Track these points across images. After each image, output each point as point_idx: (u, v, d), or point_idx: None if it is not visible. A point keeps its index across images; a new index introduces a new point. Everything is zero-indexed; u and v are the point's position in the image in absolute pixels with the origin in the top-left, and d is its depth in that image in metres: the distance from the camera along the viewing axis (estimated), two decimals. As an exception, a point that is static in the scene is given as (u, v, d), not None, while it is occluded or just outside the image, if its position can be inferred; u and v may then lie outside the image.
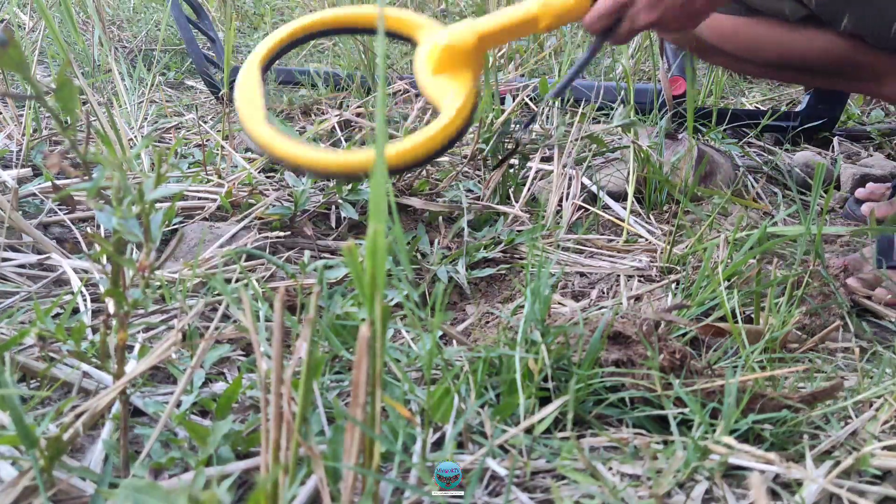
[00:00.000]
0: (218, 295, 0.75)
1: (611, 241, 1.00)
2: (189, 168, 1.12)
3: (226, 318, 0.75)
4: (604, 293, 0.87)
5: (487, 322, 0.79)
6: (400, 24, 0.87)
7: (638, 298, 0.84)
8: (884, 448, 0.54)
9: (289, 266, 0.78)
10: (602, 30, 0.87)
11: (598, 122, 1.37)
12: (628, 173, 1.10)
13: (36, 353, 0.64)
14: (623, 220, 1.03)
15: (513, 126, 1.02)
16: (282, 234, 0.93)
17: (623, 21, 0.85)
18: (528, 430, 0.56)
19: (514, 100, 1.10)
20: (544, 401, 0.58)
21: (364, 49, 1.51)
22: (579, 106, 1.25)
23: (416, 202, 1.00)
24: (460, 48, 0.82)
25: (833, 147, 1.51)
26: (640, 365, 0.59)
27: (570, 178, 1.07)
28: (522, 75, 1.61)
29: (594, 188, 1.10)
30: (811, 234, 0.81)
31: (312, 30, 0.89)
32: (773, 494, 0.52)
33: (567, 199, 1.05)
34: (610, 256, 0.96)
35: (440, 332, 0.73)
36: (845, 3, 1.01)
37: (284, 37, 0.87)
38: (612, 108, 1.33)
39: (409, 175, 1.05)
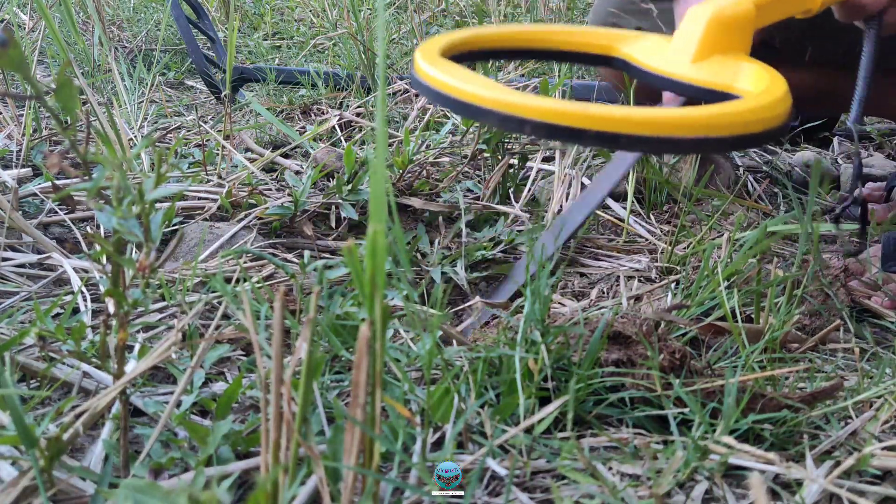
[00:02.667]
0: (218, 295, 0.75)
1: (611, 240, 1.00)
2: (189, 168, 1.12)
3: (226, 317, 0.75)
4: (604, 293, 0.87)
5: (487, 322, 0.79)
6: (593, 43, 0.66)
7: (638, 298, 0.84)
8: (884, 448, 0.54)
9: (289, 266, 0.78)
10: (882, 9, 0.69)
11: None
12: (628, 173, 1.10)
13: (36, 353, 0.64)
14: (623, 220, 1.03)
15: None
16: (281, 233, 0.93)
17: None
18: (528, 430, 0.56)
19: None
20: (544, 401, 0.58)
21: (364, 49, 1.51)
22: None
23: (416, 202, 1.00)
24: (737, 21, 0.60)
25: (833, 147, 1.51)
26: (640, 365, 0.59)
27: (570, 179, 1.07)
28: (523, 75, 1.61)
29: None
30: (810, 231, 0.81)
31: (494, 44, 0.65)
32: (773, 494, 0.52)
33: (567, 200, 1.05)
34: (609, 256, 0.96)
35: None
36: (807, 35, 1.01)
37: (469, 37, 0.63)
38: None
39: (409, 175, 1.05)
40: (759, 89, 0.54)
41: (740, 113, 0.50)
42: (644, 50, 0.64)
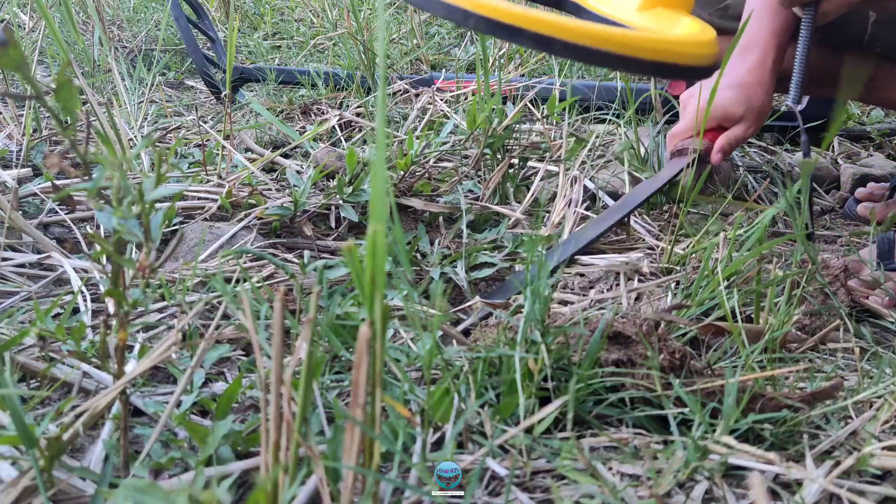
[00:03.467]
0: (218, 295, 0.75)
1: (611, 241, 1.00)
2: (189, 168, 1.12)
3: (226, 317, 0.75)
4: (603, 293, 0.87)
5: (487, 322, 0.79)
6: None
7: (638, 298, 0.84)
8: (884, 448, 0.54)
9: (289, 266, 0.78)
10: None
11: (602, 121, 1.37)
12: (628, 174, 1.10)
13: (36, 353, 0.64)
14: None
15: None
16: (281, 234, 0.93)
17: None
18: (528, 430, 0.56)
19: (513, 101, 1.10)
20: (544, 401, 0.58)
21: (364, 49, 1.51)
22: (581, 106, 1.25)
23: (416, 203, 1.00)
24: None
25: (833, 147, 1.51)
26: (640, 365, 0.59)
27: (572, 181, 1.07)
28: (522, 75, 1.61)
29: (595, 189, 1.10)
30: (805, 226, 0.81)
31: None
32: (773, 494, 0.52)
33: (565, 199, 1.05)
34: (609, 256, 0.96)
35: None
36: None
37: None
38: (611, 108, 1.33)
39: (410, 176, 1.05)
40: (690, 33, 0.59)
41: (667, 42, 0.55)
42: None
